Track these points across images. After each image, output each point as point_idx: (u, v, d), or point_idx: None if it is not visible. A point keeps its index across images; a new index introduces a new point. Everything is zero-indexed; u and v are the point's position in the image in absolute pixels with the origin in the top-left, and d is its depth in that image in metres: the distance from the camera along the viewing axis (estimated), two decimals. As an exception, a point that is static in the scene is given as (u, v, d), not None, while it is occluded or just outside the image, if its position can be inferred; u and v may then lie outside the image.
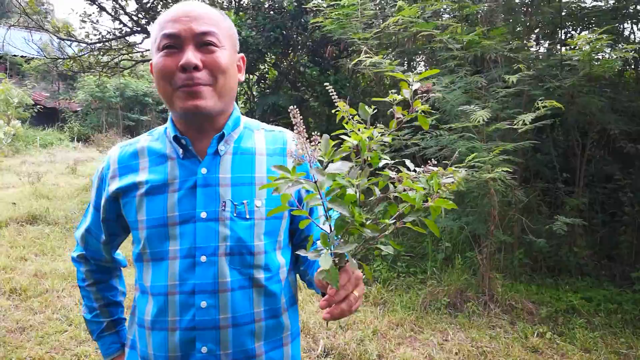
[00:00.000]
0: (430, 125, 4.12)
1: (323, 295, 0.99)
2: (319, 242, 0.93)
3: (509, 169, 3.50)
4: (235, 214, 1.10)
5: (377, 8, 5.57)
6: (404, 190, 0.85)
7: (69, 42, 9.22)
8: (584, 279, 4.56)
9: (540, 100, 3.50)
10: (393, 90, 0.94)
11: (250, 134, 1.20)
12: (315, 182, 0.81)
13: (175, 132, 1.13)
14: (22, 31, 9.75)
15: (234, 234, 1.09)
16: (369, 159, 0.87)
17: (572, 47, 3.92)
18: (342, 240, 0.86)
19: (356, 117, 0.90)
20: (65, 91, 20.93)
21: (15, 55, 16.59)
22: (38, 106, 18.14)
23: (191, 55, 1.03)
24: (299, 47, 7.02)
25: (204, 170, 1.11)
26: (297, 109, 0.84)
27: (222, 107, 1.12)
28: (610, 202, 4.98)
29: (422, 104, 0.91)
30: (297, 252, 0.93)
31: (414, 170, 0.88)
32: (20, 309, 4.00)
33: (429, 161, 0.93)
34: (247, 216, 1.10)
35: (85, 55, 9.30)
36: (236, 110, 1.20)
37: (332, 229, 0.86)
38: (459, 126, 3.86)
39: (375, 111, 0.91)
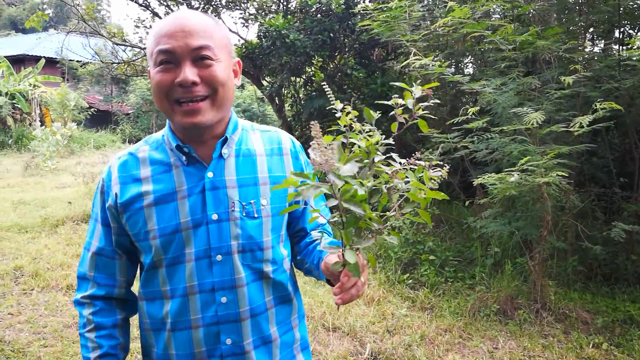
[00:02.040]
0: (481, 127, 4.06)
1: (327, 281, 1.17)
2: (314, 233, 1.18)
3: (563, 174, 3.40)
4: (244, 214, 1.17)
5: (425, 9, 5.51)
6: (403, 181, 0.97)
7: (123, 47, 9.54)
8: (643, 288, 4.37)
9: (599, 101, 3.38)
10: (396, 95, 1.06)
11: (248, 135, 1.27)
12: (331, 185, 0.90)
13: (177, 142, 1.17)
14: (79, 36, 10.16)
15: (244, 232, 1.17)
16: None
17: (631, 46, 3.76)
18: (354, 234, 0.96)
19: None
20: (118, 94, 21.68)
21: (71, 60, 17.31)
22: (92, 109, 18.90)
23: (188, 72, 1.07)
24: (346, 49, 7.03)
25: (210, 175, 1.17)
26: (317, 123, 0.92)
27: (221, 116, 1.17)
28: (671, 209, 4.74)
29: (422, 110, 1.04)
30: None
31: (400, 163, 0.98)
32: (78, 303, 4.17)
33: (413, 155, 1.01)
34: (255, 215, 1.18)
35: (138, 59, 9.61)
36: (233, 115, 1.26)
37: (331, 227, 1.00)
38: (510, 129, 3.77)
39: (379, 115, 1.04)
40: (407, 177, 0.96)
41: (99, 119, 20.07)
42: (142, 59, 9.57)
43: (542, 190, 3.68)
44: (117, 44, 9.45)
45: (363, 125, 1.03)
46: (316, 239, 1.26)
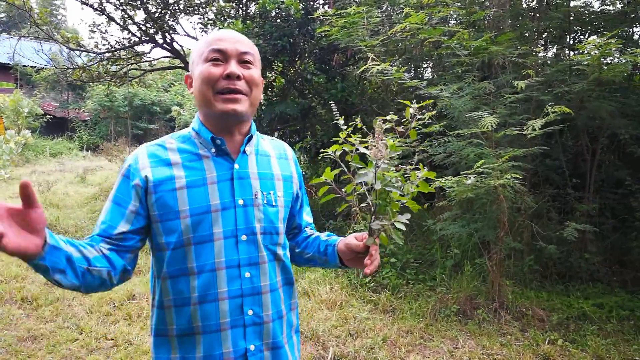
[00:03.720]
0: (438, 132, 4.13)
1: (341, 262, 1.42)
2: (308, 229, 1.57)
3: (518, 176, 3.48)
4: (265, 202, 1.35)
5: (384, 15, 5.58)
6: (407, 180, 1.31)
7: (78, 52, 9.31)
8: (595, 285, 4.52)
9: (550, 105, 3.48)
10: (391, 112, 1.36)
11: (261, 141, 1.47)
12: (375, 172, 1.25)
13: (211, 134, 1.33)
14: (32, 42, 9.86)
15: (266, 217, 1.34)
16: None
17: (581, 51, 3.90)
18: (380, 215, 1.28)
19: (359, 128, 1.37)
20: (75, 101, 21.11)
21: (25, 66, 16.78)
22: (48, 116, 18.32)
23: (235, 67, 1.28)
24: (306, 54, 7.03)
25: (237, 166, 1.34)
26: (382, 122, 1.29)
27: (250, 114, 1.35)
28: (621, 208, 4.93)
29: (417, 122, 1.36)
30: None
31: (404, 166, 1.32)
32: (32, 317, 4.02)
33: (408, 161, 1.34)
34: (274, 203, 1.37)
35: (95, 65, 9.38)
36: (253, 122, 1.45)
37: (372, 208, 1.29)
38: (467, 132, 3.84)
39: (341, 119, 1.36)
40: (397, 179, 1.26)
41: (55, 126, 19.47)
42: (97, 64, 9.34)
43: (498, 192, 3.77)
44: (72, 49, 9.21)
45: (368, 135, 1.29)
46: (312, 234, 1.54)
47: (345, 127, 1.33)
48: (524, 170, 4.06)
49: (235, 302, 1.29)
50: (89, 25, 9.02)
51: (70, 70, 9.73)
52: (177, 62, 10.35)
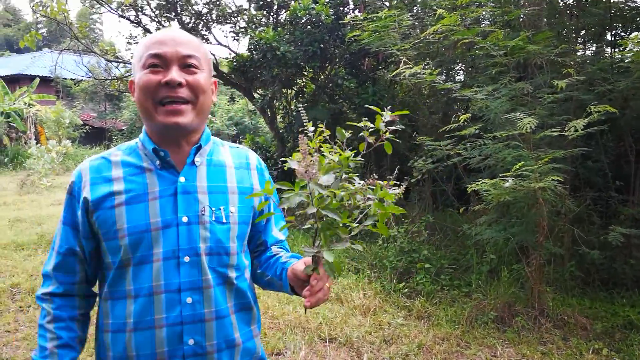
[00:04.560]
0: (474, 134, 4.03)
1: (291, 289, 1.24)
2: (274, 248, 1.38)
3: (559, 178, 3.36)
4: (213, 218, 1.22)
5: (415, 18, 5.51)
6: (367, 199, 1.08)
7: (115, 64, 9.53)
8: (642, 292, 4.31)
9: (593, 105, 3.35)
10: (365, 118, 1.19)
11: (219, 149, 1.33)
12: (310, 193, 1.01)
13: (153, 145, 1.22)
14: (73, 55, 10.16)
15: (213, 236, 1.21)
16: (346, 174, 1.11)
17: (623, 48, 3.75)
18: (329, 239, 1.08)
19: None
20: (112, 111, 21.68)
21: (65, 78, 17.32)
22: (87, 126, 18.90)
23: (176, 74, 1.16)
24: (337, 60, 7.02)
25: (182, 179, 1.22)
26: (305, 137, 1.04)
27: (198, 123, 1.24)
28: (669, 211, 4.70)
29: (389, 133, 1.17)
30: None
31: (359, 183, 1.09)
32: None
33: (371, 175, 1.13)
34: (224, 220, 1.23)
35: (131, 75, 9.60)
36: (207, 128, 1.32)
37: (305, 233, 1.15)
38: (504, 134, 3.74)
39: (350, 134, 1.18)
40: (369, 196, 1.07)
41: (94, 136, 20.05)
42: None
43: (537, 196, 3.64)
44: (110, 61, 9.44)
45: (335, 143, 1.13)
46: (276, 253, 1.36)
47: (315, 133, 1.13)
48: (565, 173, 3.92)
49: (174, 330, 1.17)
50: (126, 37, 9.25)
51: (108, 81, 9.99)
52: (210, 71, 10.53)
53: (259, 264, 1.39)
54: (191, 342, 1.18)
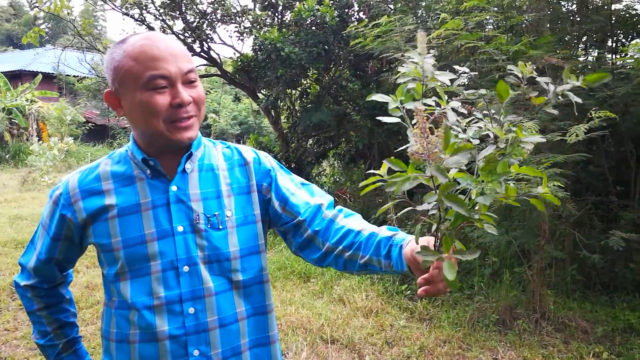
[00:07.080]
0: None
1: (409, 269, 1.05)
2: (328, 213, 1.23)
3: (560, 184, 3.39)
4: (209, 226, 1.20)
5: (419, 22, 5.54)
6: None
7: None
8: (642, 296, 4.35)
9: (594, 110, 3.39)
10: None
11: (210, 151, 1.30)
12: (431, 177, 0.80)
13: (143, 155, 1.20)
14: (76, 51, 10.19)
15: (210, 243, 1.19)
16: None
17: (624, 54, 3.78)
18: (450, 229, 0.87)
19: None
20: (115, 109, 21.66)
21: (68, 75, 17.35)
22: (89, 123, 18.91)
23: (184, 94, 1.12)
24: (341, 61, 7.06)
25: (174, 188, 1.20)
26: (422, 109, 0.82)
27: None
28: (669, 216, 4.73)
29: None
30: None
31: (457, 121, 0.86)
32: (74, 320, 4.14)
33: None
34: (220, 226, 1.20)
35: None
36: (198, 133, 1.28)
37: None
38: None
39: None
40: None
41: (96, 134, 20.08)
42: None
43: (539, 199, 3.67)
44: (114, 59, 9.48)
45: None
46: (362, 229, 1.17)
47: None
48: (566, 177, 3.95)
49: (178, 341, 1.16)
50: (130, 36, 9.25)
51: (111, 79, 10.02)
52: (214, 69, 10.53)
53: (349, 246, 1.18)
54: (196, 352, 1.17)
